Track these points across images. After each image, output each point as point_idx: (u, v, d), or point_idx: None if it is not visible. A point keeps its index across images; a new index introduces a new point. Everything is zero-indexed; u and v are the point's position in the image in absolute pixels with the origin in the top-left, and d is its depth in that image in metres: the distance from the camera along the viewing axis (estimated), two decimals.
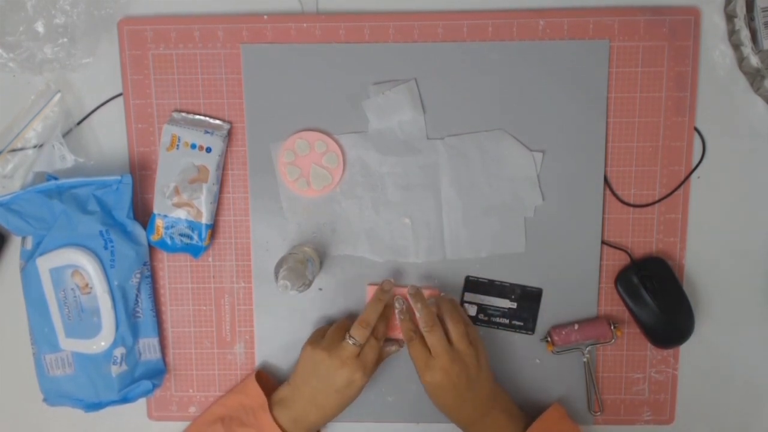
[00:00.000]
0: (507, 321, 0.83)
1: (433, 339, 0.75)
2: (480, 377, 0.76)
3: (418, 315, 0.76)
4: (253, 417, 0.77)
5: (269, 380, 0.83)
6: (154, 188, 0.80)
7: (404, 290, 0.79)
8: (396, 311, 0.78)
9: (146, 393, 0.80)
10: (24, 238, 0.79)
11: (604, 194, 0.81)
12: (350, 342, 0.75)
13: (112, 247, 0.77)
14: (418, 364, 0.76)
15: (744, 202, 0.82)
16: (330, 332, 0.78)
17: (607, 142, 0.80)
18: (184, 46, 0.80)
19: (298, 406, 0.77)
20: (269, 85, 0.80)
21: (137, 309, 0.80)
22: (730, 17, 0.79)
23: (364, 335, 0.75)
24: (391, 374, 0.83)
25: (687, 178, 0.81)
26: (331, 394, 0.75)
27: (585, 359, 0.82)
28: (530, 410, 0.82)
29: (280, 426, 0.76)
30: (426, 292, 0.79)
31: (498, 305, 0.82)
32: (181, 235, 0.80)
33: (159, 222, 0.80)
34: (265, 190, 0.82)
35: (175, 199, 0.79)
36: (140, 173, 0.82)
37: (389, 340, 0.80)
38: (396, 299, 0.78)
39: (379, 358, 0.78)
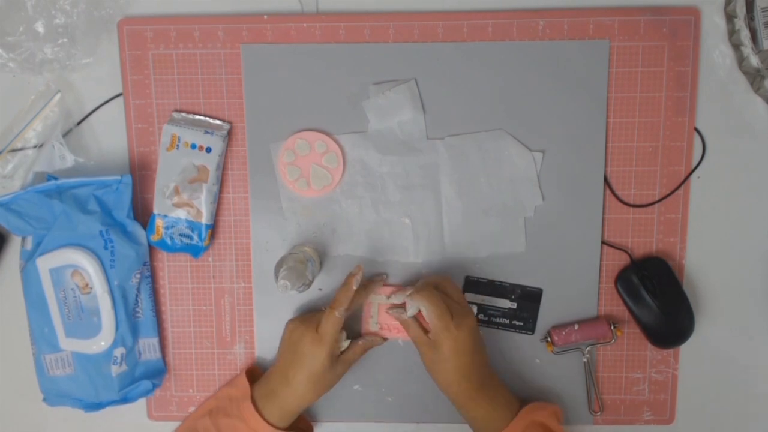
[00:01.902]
0: (507, 321, 0.83)
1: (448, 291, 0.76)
2: (481, 340, 0.77)
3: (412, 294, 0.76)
4: (236, 407, 0.78)
5: (261, 375, 0.83)
6: (154, 188, 0.80)
7: (386, 289, 0.81)
8: (391, 313, 0.79)
9: (146, 393, 0.81)
10: (24, 238, 0.79)
11: (604, 194, 0.81)
12: (323, 308, 0.77)
13: (112, 247, 0.77)
14: (439, 324, 0.73)
15: (744, 202, 0.82)
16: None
17: (607, 142, 0.80)
18: (184, 46, 0.80)
19: (272, 382, 0.77)
20: (269, 85, 0.80)
21: (137, 309, 0.80)
22: (730, 17, 0.79)
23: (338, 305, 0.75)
24: (391, 374, 0.83)
25: (687, 178, 0.81)
26: (298, 368, 0.75)
27: (585, 359, 0.82)
28: None
29: (261, 414, 0.76)
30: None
31: (498, 305, 0.82)
32: (181, 235, 0.80)
33: (159, 222, 0.80)
34: (265, 190, 0.82)
35: (175, 199, 0.79)
36: (140, 173, 0.82)
37: (373, 334, 0.81)
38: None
39: (357, 350, 0.79)
